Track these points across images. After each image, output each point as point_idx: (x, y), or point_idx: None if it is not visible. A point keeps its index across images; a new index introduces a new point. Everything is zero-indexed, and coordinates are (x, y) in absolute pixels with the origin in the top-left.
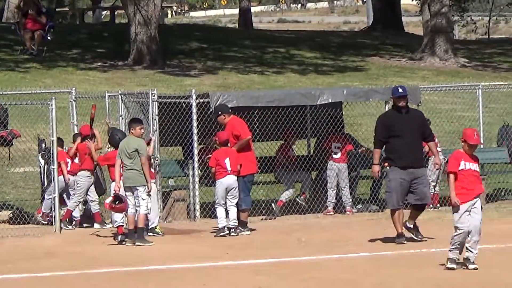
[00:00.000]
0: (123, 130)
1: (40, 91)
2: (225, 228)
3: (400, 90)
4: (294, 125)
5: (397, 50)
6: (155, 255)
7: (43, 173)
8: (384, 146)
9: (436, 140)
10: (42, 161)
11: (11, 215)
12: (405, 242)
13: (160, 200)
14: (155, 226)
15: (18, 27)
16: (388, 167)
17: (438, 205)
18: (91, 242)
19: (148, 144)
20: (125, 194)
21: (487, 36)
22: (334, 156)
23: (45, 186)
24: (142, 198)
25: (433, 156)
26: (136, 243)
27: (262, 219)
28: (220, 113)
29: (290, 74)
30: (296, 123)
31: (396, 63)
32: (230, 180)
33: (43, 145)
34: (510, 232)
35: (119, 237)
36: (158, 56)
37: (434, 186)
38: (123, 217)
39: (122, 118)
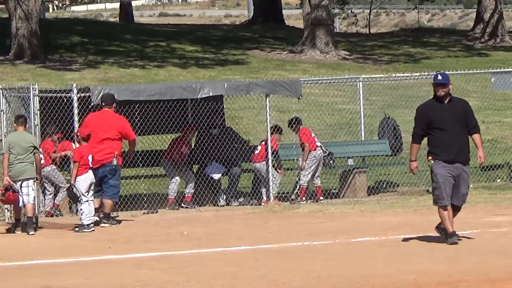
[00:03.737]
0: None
1: None
2: (92, 224)
3: (440, 77)
4: (175, 119)
5: (277, 43)
6: (37, 250)
7: None
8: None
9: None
10: None
11: None
12: (458, 241)
13: (42, 194)
14: None
15: None
16: (432, 161)
17: (321, 198)
18: None
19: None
20: (18, 186)
21: (367, 29)
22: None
23: None
24: (32, 189)
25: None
26: (30, 233)
27: (144, 213)
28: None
29: (171, 68)
30: (177, 116)
31: (277, 56)
32: (92, 174)
33: None
34: (391, 224)
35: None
36: (39, 50)
37: (311, 180)
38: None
39: (4, 113)
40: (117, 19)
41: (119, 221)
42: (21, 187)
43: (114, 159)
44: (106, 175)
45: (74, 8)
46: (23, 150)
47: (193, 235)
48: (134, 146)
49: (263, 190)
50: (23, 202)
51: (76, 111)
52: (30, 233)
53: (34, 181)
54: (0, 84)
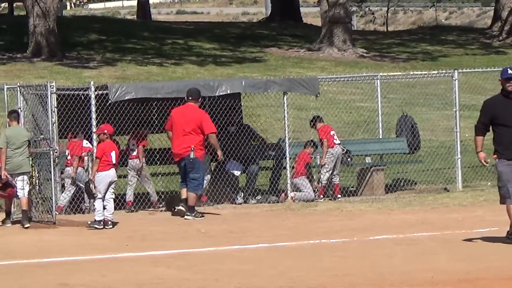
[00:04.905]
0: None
1: None
2: (102, 221)
3: (509, 71)
4: None
5: (295, 41)
6: (55, 247)
7: None
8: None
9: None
10: None
11: None
12: None
13: (60, 192)
14: None
15: None
16: (496, 159)
17: (339, 196)
18: None
19: None
20: (15, 180)
21: (385, 27)
22: None
23: None
24: (27, 183)
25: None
26: (26, 226)
27: (161, 211)
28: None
29: (189, 66)
30: None
31: (295, 54)
32: (113, 173)
33: None
34: (409, 222)
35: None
36: (56, 48)
37: (329, 178)
38: None
39: (21, 111)
40: (135, 16)
41: (203, 215)
42: (16, 180)
43: (191, 152)
44: (186, 168)
45: (91, 5)
46: (20, 144)
47: (211, 233)
48: (214, 140)
49: (293, 194)
50: (17, 195)
51: (94, 109)
52: (26, 226)
53: (28, 176)
54: (18, 82)
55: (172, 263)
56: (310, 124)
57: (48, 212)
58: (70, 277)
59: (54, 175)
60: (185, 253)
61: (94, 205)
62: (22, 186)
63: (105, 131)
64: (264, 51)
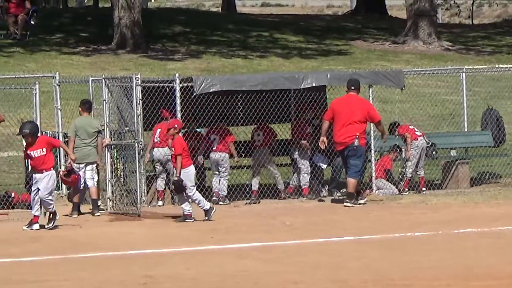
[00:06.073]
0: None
1: (24, 75)
2: (211, 208)
3: None
4: (277, 109)
5: (380, 34)
6: (139, 239)
7: None
8: None
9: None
10: None
11: None
12: None
13: (145, 184)
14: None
15: (1, 11)
16: None
17: (424, 189)
18: (74, 227)
19: None
20: (79, 168)
21: (470, 20)
22: None
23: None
24: (95, 173)
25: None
26: (96, 214)
27: (246, 203)
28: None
29: (274, 58)
30: (280, 107)
31: (380, 47)
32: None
33: None
34: (494, 215)
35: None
36: (141, 40)
37: (414, 171)
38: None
39: (106, 103)
40: (219, 9)
41: (364, 203)
42: (85, 170)
43: (356, 140)
44: (349, 156)
45: None
46: (89, 135)
47: (295, 225)
48: (382, 127)
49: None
50: (85, 184)
51: (178, 101)
52: (96, 214)
53: (96, 165)
54: (103, 74)
55: (257, 256)
56: (389, 132)
57: (132, 204)
58: (154, 269)
59: (139, 167)
60: (270, 246)
61: (196, 199)
62: (91, 176)
63: (175, 126)
64: (349, 44)
